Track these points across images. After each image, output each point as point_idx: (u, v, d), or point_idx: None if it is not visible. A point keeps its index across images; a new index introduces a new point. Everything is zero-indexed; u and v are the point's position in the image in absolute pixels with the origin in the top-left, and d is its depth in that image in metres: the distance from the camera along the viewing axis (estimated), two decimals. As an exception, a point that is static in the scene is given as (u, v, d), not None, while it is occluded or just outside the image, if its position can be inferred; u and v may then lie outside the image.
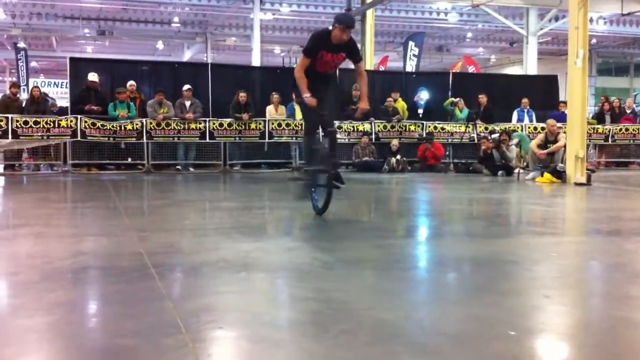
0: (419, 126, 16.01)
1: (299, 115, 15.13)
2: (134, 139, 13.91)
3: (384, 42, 31.27)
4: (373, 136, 15.62)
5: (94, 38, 30.67)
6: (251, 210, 8.13)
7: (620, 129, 16.91)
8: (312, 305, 3.54)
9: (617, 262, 4.93)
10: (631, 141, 17.14)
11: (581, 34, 11.98)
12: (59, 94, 30.28)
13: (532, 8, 22.43)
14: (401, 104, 16.25)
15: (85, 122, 13.51)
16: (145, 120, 13.94)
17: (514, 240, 6.03)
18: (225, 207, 8.67)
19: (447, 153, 16.06)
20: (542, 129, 15.35)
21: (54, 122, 13.46)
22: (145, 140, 13.95)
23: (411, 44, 25.47)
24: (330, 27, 6.77)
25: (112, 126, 13.73)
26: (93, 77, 14.17)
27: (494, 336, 3.07)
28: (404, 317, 3.38)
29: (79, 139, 13.49)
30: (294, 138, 14.91)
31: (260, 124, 14.72)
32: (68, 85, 16.16)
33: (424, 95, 16.89)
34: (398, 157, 15.18)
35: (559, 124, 13.57)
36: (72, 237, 5.84)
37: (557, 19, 23.08)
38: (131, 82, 14.54)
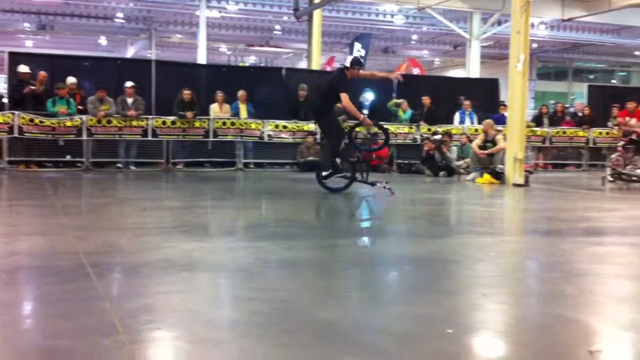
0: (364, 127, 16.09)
1: (243, 114, 15.06)
2: (74, 135, 13.58)
3: (331, 43, 31.39)
4: (318, 136, 15.63)
5: (34, 32, 29.85)
6: (194, 209, 8.04)
7: (558, 132, 17.38)
8: (254, 305, 3.53)
9: (554, 261, 5.06)
10: (568, 144, 17.64)
11: (522, 38, 12.25)
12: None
13: (476, 12, 22.84)
14: None
15: (23, 118, 13.13)
16: (86, 117, 13.63)
17: (455, 240, 6.13)
18: (167, 206, 8.55)
19: (391, 153, 16.19)
20: (483, 131, 15.66)
21: (-10, 117, 13.03)
22: (85, 137, 13.63)
23: (357, 45, 25.59)
24: (344, 67, 9.47)
25: (51, 122, 13.37)
26: (24, 68, 13.79)
27: (433, 335, 3.11)
28: (345, 317, 3.40)
29: (16, 135, 13.09)
30: (239, 137, 14.82)
31: (204, 122, 14.56)
32: (6, 81, 15.66)
33: (369, 96, 16.99)
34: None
35: (499, 127, 13.86)
36: (6, 237, 5.67)
37: (499, 23, 23.55)
38: (71, 78, 14.18)
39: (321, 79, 17.83)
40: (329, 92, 9.51)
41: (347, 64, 9.50)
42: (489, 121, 13.85)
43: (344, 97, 9.15)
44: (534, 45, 29.69)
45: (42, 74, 14.05)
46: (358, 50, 25.90)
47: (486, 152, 13.22)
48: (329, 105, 9.71)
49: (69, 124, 13.50)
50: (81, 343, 2.90)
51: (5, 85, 15.68)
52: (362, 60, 9.38)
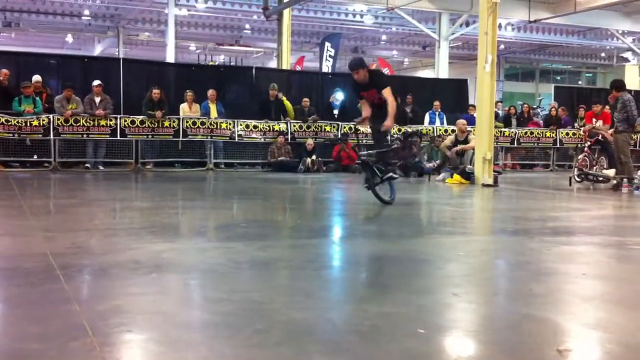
0: (334, 127, 16.15)
1: (213, 113, 14.99)
2: (41, 135, 13.39)
3: (301, 42, 31.36)
4: (289, 136, 15.64)
5: (-1, 30, 29.33)
6: (164, 210, 7.98)
7: (526, 132, 17.62)
8: (226, 306, 3.51)
9: (522, 260, 5.13)
10: (536, 144, 17.90)
11: (490, 39, 12.39)
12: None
13: (444, 13, 23.03)
14: (287, 104, 16.12)
15: (-12, 117, 12.91)
16: (53, 116, 13.44)
17: (425, 240, 6.18)
18: (136, 207, 8.48)
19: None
20: (453, 131, 15.80)
21: (-46, 116, 12.79)
22: (52, 137, 13.45)
23: (327, 44, 25.69)
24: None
25: (17, 122, 13.17)
26: None
27: (404, 334, 3.14)
28: (316, 316, 3.41)
29: (-20, 134, 12.88)
30: (208, 137, 14.74)
31: (174, 121, 14.47)
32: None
33: (339, 96, 17.04)
34: (314, 157, 15.26)
35: (468, 127, 14.02)
36: (-28, 238, 5.57)
37: (467, 24, 23.78)
38: (37, 77, 13.96)
39: (293, 79, 17.92)
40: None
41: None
42: (462, 121, 13.97)
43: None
44: (502, 46, 30.06)
45: (4, 71, 13.82)
46: (328, 49, 25.99)
47: (455, 149, 13.36)
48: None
49: (35, 123, 13.32)
50: (50, 346, 2.86)
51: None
52: (354, 63, 8.40)
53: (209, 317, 3.40)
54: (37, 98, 13.71)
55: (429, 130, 16.61)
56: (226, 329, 3.15)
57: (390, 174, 8.65)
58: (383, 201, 8.47)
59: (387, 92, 8.17)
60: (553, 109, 18.48)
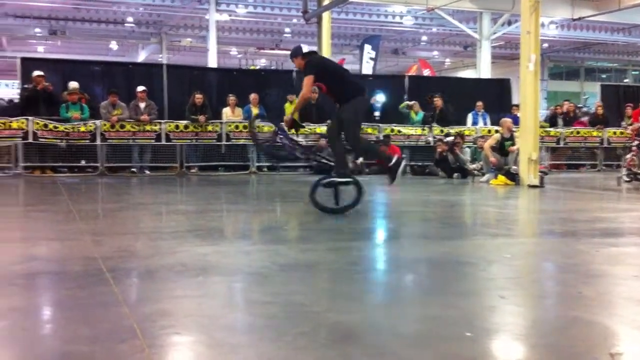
0: (375, 129, 16.11)
1: (255, 117, 15.08)
2: (88, 140, 13.67)
3: (341, 45, 31.39)
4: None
5: (46, 37, 30.03)
6: (208, 213, 8.06)
7: (572, 132, 17.31)
8: (270, 309, 3.53)
9: (570, 262, 5.03)
10: (582, 144, 17.56)
11: (533, 38, 12.21)
12: (10, 95, 29.50)
13: (486, 12, 22.79)
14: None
15: (37, 123, 13.23)
16: (99, 122, 13.71)
17: (469, 242, 6.11)
18: (181, 210, 8.58)
19: (404, 155, 16.17)
20: (496, 131, 15.61)
21: (4, 123, 13.13)
22: (99, 142, 13.72)
23: (367, 46, 25.65)
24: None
25: (65, 128, 13.46)
26: (38, 73, 13.90)
27: (450, 337, 3.10)
28: (361, 319, 3.40)
29: (30, 140, 13.19)
30: (251, 140, 14.84)
31: (217, 126, 14.62)
32: (19, 86, 15.78)
33: (380, 98, 17.00)
34: (360, 160, 15.22)
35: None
36: (23, 242, 5.71)
37: (509, 23, 23.49)
38: (74, 83, 14.16)
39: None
40: None
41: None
42: (508, 119, 13.75)
43: None
44: (545, 45, 29.61)
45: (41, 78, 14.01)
46: (368, 52, 25.95)
47: (494, 160, 13.10)
48: None
49: (82, 129, 13.59)
50: (99, 348, 2.91)
51: (19, 91, 15.80)
52: (293, 51, 7.84)
53: (253, 319, 3.42)
54: (84, 105, 13.99)
55: (472, 131, 16.44)
56: (271, 332, 3.16)
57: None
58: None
59: (303, 82, 7.49)
60: (599, 108, 18.12)
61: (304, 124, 9.27)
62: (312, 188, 7.47)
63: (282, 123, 7.83)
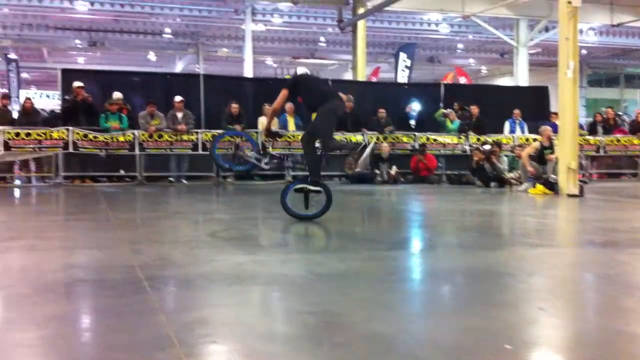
0: (411, 137, 16.04)
1: (291, 126, 15.15)
2: (126, 150, 13.87)
3: (376, 53, 31.34)
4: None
5: (85, 49, 30.60)
6: (244, 222, 8.10)
7: (612, 140, 17.00)
8: (307, 318, 3.52)
9: (611, 273, 4.93)
10: (623, 152, 17.22)
11: (571, 45, 12.04)
12: (51, 105, 30.13)
13: (522, 19, 22.55)
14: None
15: (77, 133, 13.46)
16: (137, 132, 13.90)
17: (508, 252, 6.03)
18: (218, 219, 8.65)
19: (440, 164, 16.08)
20: (534, 139, 15.41)
21: (45, 133, 13.40)
22: (137, 152, 13.91)
23: (403, 55, 25.58)
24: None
25: (104, 138, 13.68)
26: (78, 83, 14.15)
27: (490, 349, 3.06)
28: (398, 330, 3.37)
29: (71, 150, 13.43)
30: (287, 150, 14.89)
31: (253, 135, 14.68)
32: (60, 97, 16.10)
33: (415, 107, 16.93)
34: (394, 167, 15.17)
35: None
36: (64, 250, 5.80)
37: (547, 30, 23.21)
38: (117, 94, 14.41)
39: (368, 90, 17.91)
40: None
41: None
42: (547, 127, 13.54)
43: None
44: (583, 51, 29.15)
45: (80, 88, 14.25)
46: (403, 60, 25.88)
47: (532, 169, 12.91)
48: None
49: (121, 139, 13.79)
50: (137, 356, 2.94)
51: (59, 102, 16.11)
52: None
53: (290, 329, 3.41)
54: (123, 115, 14.20)
55: (509, 139, 16.27)
56: (308, 342, 3.16)
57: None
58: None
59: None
60: (639, 115, 17.77)
61: (280, 132, 9.76)
62: (283, 193, 7.78)
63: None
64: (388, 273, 4.87)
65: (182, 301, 4.00)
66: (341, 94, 8.46)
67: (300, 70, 8.95)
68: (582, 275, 5.12)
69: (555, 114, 15.40)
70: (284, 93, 8.13)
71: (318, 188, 7.81)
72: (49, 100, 33.13)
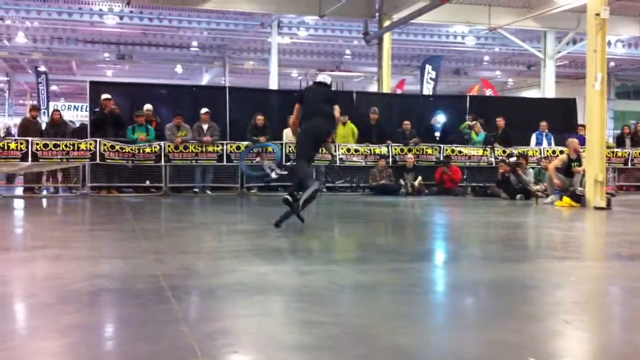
0: (436, 149, 15.97)
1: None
2: (152, 161, 13.99)
3: (401, 66, 31.35)
4: (390, 159, 15.60)
5: (114, 62, 31.03)
6: (267, 233, 8.11)
7: (640, 153, 16.75)
8: (328, 330, 3.51)
9: (638, 287, 4.87)
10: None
11: (599, 57, 11.93)
12: (79, 117, 30.55)
13: (550, 31, 22.41)
14: (350, 127, 15.73)
15: (105, 145, 13.62)
16: (164, 143, 14.02)
17: (533, 265, 5.96)
18: (241, 230, 8.67)
19: (465, 176, 15.98)
20: (561, 152, 15.27)
21: (73, 145, 13.56)
22: (163, 163, 14.02)
23: (428, 67, 25.51)
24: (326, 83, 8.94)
25: (131, 149, 13.82)
26: (106, 96, 14.34)
27: (513, 362, 3.02)
28: (421, 342, 3.34)
29: (97, 161, 13.58)
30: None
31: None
32: (88, 109, 16.31)
33: (440, 119, 16.86)
34: (419, 179, 15.10)
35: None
36: (89, 260, 5.86)
37: (574, 42, 23.04)
38: (148, 105, 14.62)
39: (394, 102, 17.88)
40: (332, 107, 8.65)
41: (328, 82, 9.03)
42: (575, 140, 13.39)
43: (338, 108, 8.66)
44: (612, 63, 28.84)
45: (112, 101, 14.45)
46: (429, 72, 25.82)
47: (558, 181, 12.78)
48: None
49: (148, 150, 13.92)
50: (160, 365, 2.95)
51: (88, 113, 16.32)
52: None
53: (312, 340, 3.40)
54: (150, 127, 14.35)
55: (536, 151, 16.13)
56: (329, 353, 3.14)
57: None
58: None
59: None
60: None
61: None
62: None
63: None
64: (411, 285, 4.84)
65: (204, 311, 4.02)
66: (336, 113, 8.55)
67: (319, 78, 9.16)
68: (609, 288, 5.04)
69: (583, 126, 15.24)
70: (297, 107, 8.59)
71: (291, 199, 8.35)
72: (77, 112, 33.57)
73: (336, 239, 8.09)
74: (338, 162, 15.07)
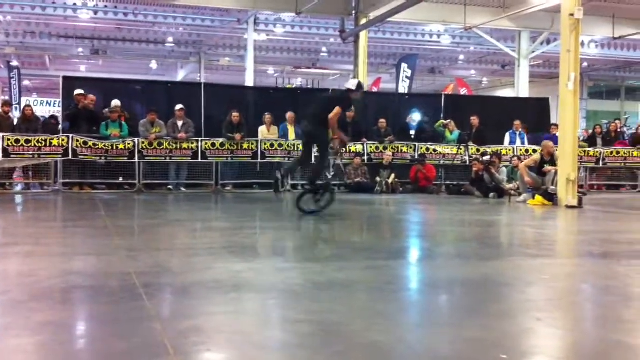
0: (411, 147, 16.04)
1: (291, 135, 15.16)
2: (126, 158, 13.86)
3: (377, 64, 31.43)
4: (365, 157, 15.63)
5: (88, 57, 30.68)
6: (243, 230, 8.09)
7: (612, 152, 16.99)
8: (304, 327, 3.51)
9: (610, 284, 4.92)
10: (622, 164, 17.20)
11: (573, 57, 12.06)
12: (52, 113, 30.16)
13: (524, 31, 22.62)
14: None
15: (77, 141, 13.46)
16: (138, 140, 13.90)
17: (506, 263, 6.01)
18: (216, 227, 8.63)
19: (439, 174, 16.07)
20: (534, 151, 15.42)
21: (45, 140, 13.39)
22: (137, 159, 13.90)
23: (404, 65, 25.60)
24: (348, 90, 9.74)
25: (104, 145, 13.68)
26: (80, 92, 14.18)
27: (486, 359, 3.04)
28: (396, 340, 3.36)
29: (70, 157, 13.42)
30: (286, 158, 14.89)
31: (252, 144, 14.70)
32: (61, 104, 16.11)
33: (416, 117, 16.93)
34: (393, 177, 15.15)
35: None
36: (61, 257, 5.79)
37: (548, 42, 23.28)
38: (116, 101, 14.39)
39: (370, 100, 17.91)
40: (330, 110, 9.27)
41: (353, 87, 9.69)
42: (550, 143, 13.49)
43: (337, 110, 9.21)
44: (585, 63, 29.22)
45: (91, 97, 14.36)
46: (404, 70, 25.92)
47: (529, 179, 12.91)
48: (326, 122, 9.40)
49: (121, 146, 13.79)
50: (133, 363, 2.92)
51: (60, 109, 16.13)
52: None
53: (287, 337, 3.40)
54: (124, 123, 14.21)
55: (509, 150, 16.27)
56: (304, 351, 3.14)
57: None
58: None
59: None
60: (640, 127, 17.79)
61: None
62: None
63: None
64: (386, 282, 4.85)
65: (178, 309, 3.99)
66: (330, 114, 9.13)
67: (347, 84, 10.06)
68: (580, 286, 5.10)
69: (556, 125, 15.41)
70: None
71: (312, 187, 9.50)
72: (50, 108, 33.18)
73: (312, 237, 8.09)
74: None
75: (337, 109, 9.18)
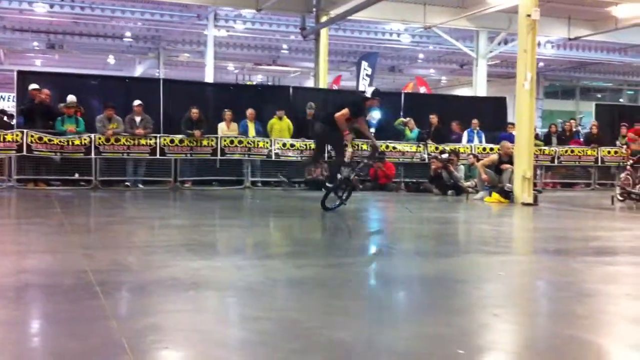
0: (370, 145, 16.08)
1: (251, 132, 15.09)
2: (82, 154, 13.62)
3: (338, 62, 31.47)
4: (326, 154, 15.63)
5: (43, 51, 30.04)
6: (201, 227, 8.03)
7: (567, 151, 17.33)
8: (263, 325, 3.50)
9: (564, 281, 5.02)
10: (577, 163, 17.57)
11: (529, 57, 12.26)
12: (7, 107, 29.45)
13: (482, 31, 22.90)
14: (286, 122, 15.72)
15: (32, 136, 13.18)
16: (94, 136, 13.67)
17: (463, 259, 6.09)
18: (175, 225, 8.55)
19: (399, 172, 16.17)
20: (491, 149, 15.64)
21: (-1, 136, 13.09)
22: (93, 155, 13.67)
23: (364, 63, 25.70)
24: (364, 97, 10.30)
25: (60, 141, 13.42)
26: (34, 86, 13.89)
27: (443, 355, 3.08)
28: (354, 336, 3.37)
29: (24, 153, 13.14)
30: (246, 155, 14.83)
31: (212, 140, 14.59)
32: (15, 99, 15.75)
33: (375, 115, 16.99)
34: (353, 174, 15.18)
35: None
36: (15, 254, 5.67)
37: (506, 42, 23.61)
38: (71, 96, 14.10)
39: (330, 98, 17.94)
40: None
41: (368, 95, 10.17)
42: (508, 144, 13.65)
43: (344, 111, 9.52)
44: (541, 64, 29.71)
45: (45, 91, 14.08)
46: (365, 68, 26.03)
47: (486, 177, 13.11)
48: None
49: (77, 142, 13.54)
50: (89, 362, 2.88)
51: (14, 104, 15.78)
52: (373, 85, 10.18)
53: (246, 335, 3.39)
54: (80, 118, 13.96)
55: (467, 148, 16.47)
56: (263, 348, 3.13)
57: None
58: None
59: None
60: (594, 127, 18.17)
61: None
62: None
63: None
64: (346, 279, 4.87)
65: (135, 307, 3.94)
66: (337, 114, 9.51)
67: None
68: (536, 282, 5.19)
69: (513, 124, 15.65)
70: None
71: (331, 185, 9.96)
72: (4, 103, 32.38)
73: (271, 234, 8.07)
74: (274, 157, 14.98)
75: (344, 110, 9.51)
